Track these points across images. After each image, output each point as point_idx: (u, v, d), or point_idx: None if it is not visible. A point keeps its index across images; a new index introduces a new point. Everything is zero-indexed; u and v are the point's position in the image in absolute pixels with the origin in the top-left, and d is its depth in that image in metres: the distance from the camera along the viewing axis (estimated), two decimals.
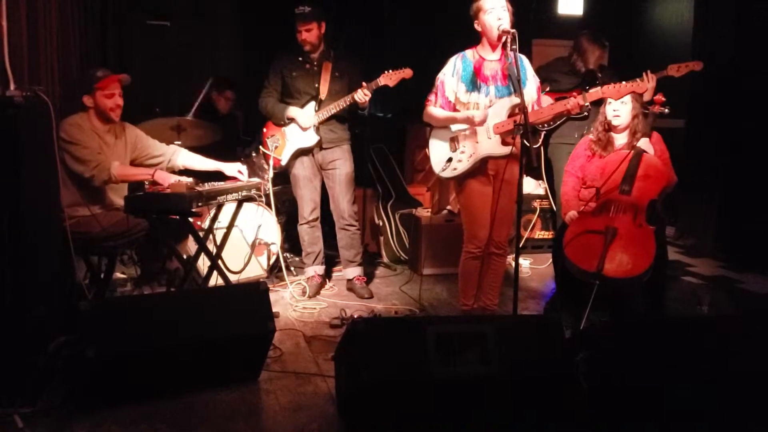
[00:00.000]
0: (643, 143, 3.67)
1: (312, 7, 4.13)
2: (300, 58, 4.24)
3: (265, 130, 4.39)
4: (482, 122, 3.33)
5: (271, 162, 4.26)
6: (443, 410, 2.47)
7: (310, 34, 4.15)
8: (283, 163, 4.31)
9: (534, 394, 2.55)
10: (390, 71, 4.02)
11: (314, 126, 4.19)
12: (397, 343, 2.47)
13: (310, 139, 4.22)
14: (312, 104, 4.21)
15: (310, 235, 4.41)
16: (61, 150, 3.26)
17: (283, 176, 4.55)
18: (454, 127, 3.44)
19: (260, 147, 4.42)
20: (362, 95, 4.02)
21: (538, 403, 2.56)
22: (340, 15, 5.55)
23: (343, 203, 4.34)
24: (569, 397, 2.55)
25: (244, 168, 3.90)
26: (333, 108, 4.15)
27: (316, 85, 4.22)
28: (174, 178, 3.50)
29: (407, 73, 4.02)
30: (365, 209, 5.50)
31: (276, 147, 4.29)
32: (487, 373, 2.46)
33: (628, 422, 2.53)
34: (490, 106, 3.35)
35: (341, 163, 4.31)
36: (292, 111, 4.22)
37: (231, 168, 3.84)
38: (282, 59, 4.29)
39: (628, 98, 3.66)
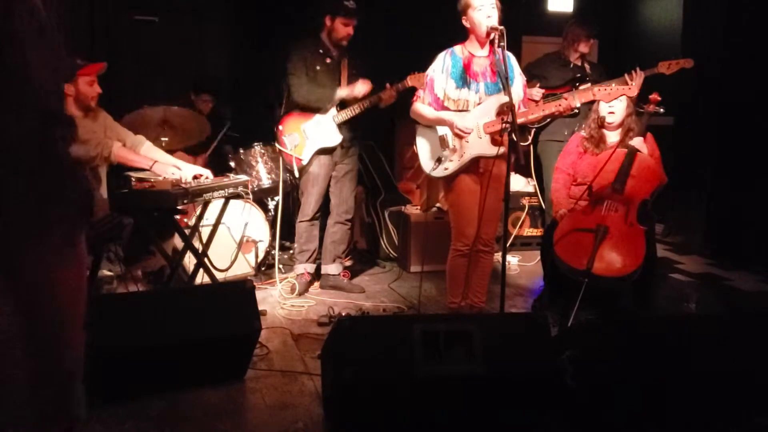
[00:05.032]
0: (637, 142, 3.64)
1: (355, 4, 4.09)
2: (321, 51, 4.17)
3: (281, 127, 4.23)
4: (462, 133, 3.28)
5: (294, 162, 4.18)
6: (428, 409, 2.46)
7: (350, 29, 4.10)
8: (305, 161, 4.19)
9: (520, 393, 2.54)
10: (417, 73, 3.89)
11: (336, 125, 4.13)
12: (383, 341, 2.45)
13: (334, 138, 4.15)
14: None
15: (308, 233, 4.36)
16: None
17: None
18: (442, 127, 3.42)
19: (276, 145, 4.32)
20: (390, 96, 4.01)
21: (523, 401, 2.55)
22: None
23: (350, 198, 4.37)
24: (555, 395, 2.55)
25: (203, 171, 3.65)
26: (357, 108, 4.09)
27: (338, 83, 4.16)
28: (170, 172, 3.45)
29: None
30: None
31: (295, 146, 4.18)
32: (472, 371, 2.44)
33: (613, 421, 2.53)
34: (479, 103, 3.34)
35: (352, 160, 4.34)
36: (340, 92, 4.08)
37: (189, 170, 3.60)
38: (305, 49, 4.15)
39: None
